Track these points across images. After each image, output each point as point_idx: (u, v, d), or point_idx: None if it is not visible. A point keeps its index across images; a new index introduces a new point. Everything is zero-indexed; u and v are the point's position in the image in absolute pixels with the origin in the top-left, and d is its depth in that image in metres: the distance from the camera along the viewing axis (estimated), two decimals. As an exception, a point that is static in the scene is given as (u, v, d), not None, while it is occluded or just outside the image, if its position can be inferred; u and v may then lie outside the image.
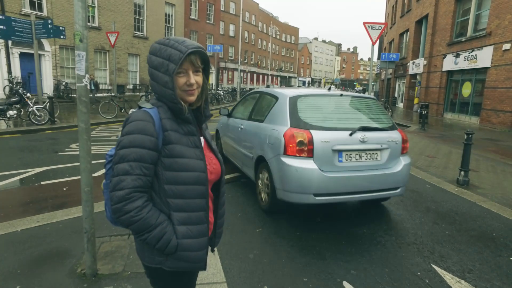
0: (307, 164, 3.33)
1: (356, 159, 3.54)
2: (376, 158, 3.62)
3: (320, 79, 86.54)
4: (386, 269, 2.79)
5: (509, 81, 13.73)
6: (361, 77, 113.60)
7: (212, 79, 37.17)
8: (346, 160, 3.49)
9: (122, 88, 21.52)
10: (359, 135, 3.51)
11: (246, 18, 48.72)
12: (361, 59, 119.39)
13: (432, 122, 15.58)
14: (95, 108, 13.30)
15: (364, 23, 8.48)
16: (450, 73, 18.79)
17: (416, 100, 22.49)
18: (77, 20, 2.02)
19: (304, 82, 75.62)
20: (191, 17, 31.25)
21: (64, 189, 4.60)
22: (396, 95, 29.33)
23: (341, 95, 4.06)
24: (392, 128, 3.91)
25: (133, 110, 1.25)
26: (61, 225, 3.30)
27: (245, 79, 49.03)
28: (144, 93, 19.35)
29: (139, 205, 1.14)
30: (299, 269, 2.74)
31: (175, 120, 1.24)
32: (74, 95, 17.94)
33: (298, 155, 3.37)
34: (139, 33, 23.76)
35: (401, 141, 3.81)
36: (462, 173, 5.59)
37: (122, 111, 13.33)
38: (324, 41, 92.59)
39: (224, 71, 43.16)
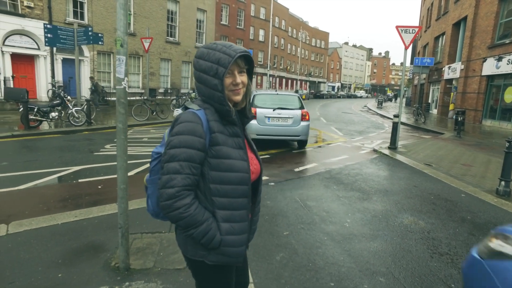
0: (253, 121, 7.75)
1: (276, 121, 7.98)
2: (286, 121, 8.03)
3: (350, 84, 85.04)
4: (417, 279, 2.70)
5: (557, 87, 12.84)
6: (392, 82, 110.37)
7: (240, 84, 37.56)
8: (271, 121, 7.94)
9: (153, 91, 22.25)
10: (278, 111, 8.01)
11: (276, 23, 48.94)
12: (393, 64, 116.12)
13: (469, 129, 14.86)
14: (103, 112, 13.85)
15: (397, 27, 8.27)
16: (490, 77, 17.85)
17: (451, 106, 21.54)
18: (118, 27, 2.14)
19: (333, 88, 74.59)
20: (221, 22, 31.84)
21: (99, 187, 4.83)
22: (430, 101, 28.25)
23: (277, 94, 9.08)
24: (298, 109, 8.24)
25: (178, 110, 1.32)
26: (96, 220, 3.48)
27: (274, 84, 49.14)
28: (174, 97, 19.89)
29: (188, 202, 1.21)
30: (327, 275, 2.71)
31: (221, 122, 1.31)
32: (109, 98, 18.79)
33: None
34: (171, 39, 24.52)
35: (301, 114, 8.07)
36: (503, 183, 5.28)
37: (154, 114, 13.78)
38: (354, 46, 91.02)
39: (253, 76, 43.46)
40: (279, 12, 49.42)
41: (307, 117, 8.20)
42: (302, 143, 8.63)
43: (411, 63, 41.51)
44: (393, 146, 8.86)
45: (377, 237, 3.48)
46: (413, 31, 8.25)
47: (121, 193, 2.31)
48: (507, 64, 16.03)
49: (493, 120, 17.50)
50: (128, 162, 5.88)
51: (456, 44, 22.37)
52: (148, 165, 6.37)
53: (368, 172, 6.47)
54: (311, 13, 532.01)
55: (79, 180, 5.10)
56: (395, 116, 8.80)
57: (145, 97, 14.68)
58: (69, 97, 11.33)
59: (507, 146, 5.24)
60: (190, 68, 27.06)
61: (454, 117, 14.29)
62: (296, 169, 6.45)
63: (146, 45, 14.72)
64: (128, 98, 12.49)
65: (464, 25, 20.94)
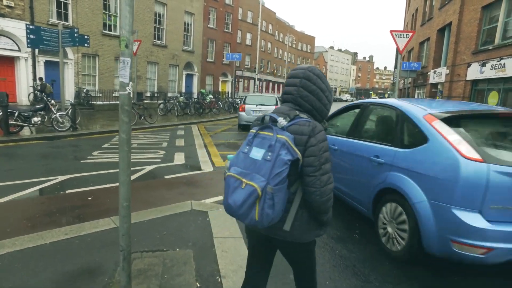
0: (242, 113, 13.10)
1: (257, 113, 12.39)
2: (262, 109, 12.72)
3: (336, 88, 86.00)
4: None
5: (541, 91, 13.15)
6: (376, 86, 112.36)
7: (228, 87, 37.32)
8: (254, 113, 12.73)
9: (140, 95, 21.76)
10: (259, 106, 12.89)
11: (263, 27, 49.02)
12: (377, 68, 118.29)
13: (457, 133, 15.06)
14: (87, 116, 13.38)
15: (391, 32, 8.24)
16: (474, 82, 18.22)
17: None
18: (123, 25, 1.89)
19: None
20: (209, 26, 31.57)
21: (89, 198, 4.51)
22: (416, 105, 28.68)
23: (260, 95, 14.86)
24: (273, 105, 13.01)
25: (283, 120, 1.54)
26: (89, 238, 3.17)
27: (260, 88, 49.11)
28: (162, 101, 19.48)
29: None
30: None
31: None
32: (94, 102, 18.22)
33: (241, 110, 13.28)
34: (158, 42, 24.10)
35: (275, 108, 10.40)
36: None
37: (142, 118, 13.38)
38: (340, 50, 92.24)
39: (240, 80, 43.37)
40: (267, 16, 49.57)
41: None
42: None
43: (396, 67, 42.30)
44: None
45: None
46: (407, 36, 8.24)
47: (123, 211, 2.04)
48: (491, 69, 16.39)
49: (479, 124, 17.83)
50: (115, 170, 5.50)
51: (441, 49, 22.81)
52: (141, 172, 6.09)
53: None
54: (297, 18, 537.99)
55: (67, 191, 4.75)
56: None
57: (132, 101, 14.27)
58: (52, 101, 10.84)
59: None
60: (177, 71, 26.67)
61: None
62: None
63: (134, 48, 14.33)
64: (115, 102, 12.00)
65: (448, 31, 21.38)
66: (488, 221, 2.50)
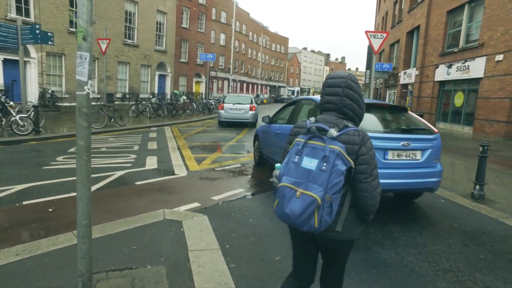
0: (221, 111, 14.83)
1: (235, 111, 14.58)
2: (242, 112, 14.58)
3: (309, 89, 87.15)
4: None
5: (503, 92, 13.79)
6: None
7: (202, 88, 36.74)
8: (231, 111, 14.60)
9: (111, 96, 20.91)
10: (236, 105, 14.67)
11: (237, 27, 48.76)
12: (349, 69, 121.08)
13: (427, 132, 15.51)
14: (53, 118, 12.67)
15: (366, 32, 8.28)
16: (442, 83, 18.91)
17: (407, 110, 22.57)
18: (80, 14, 1.62)
19: (293, 92, 75.90)
20: (182, 25, 30.92)
21: (50, 210, 4.10)
22: (387, 105, 29.50)
23: (238, 96, 16.13)
24: (249, 103, 14.78)
25: (333, 131, 1.59)
26: (46, 258, 2.78)
27: (234, 88, 48.81)
28: (133, 102, 18.79)
29: None
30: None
31: None
32: (60, 104, 17.27)
33: (220, 109, 15.02)
34: (129, 41, 23.28)
35: (250, 107, 14.61)
36: (478, 187, 5.32)
37: (112, 120, 12.77)
38: (313, 51, 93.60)
39: (214, 80, 42.86)
40: (240, 16, 49.34)
41: (253, 109, 14.89)
42: (252, 124, 15.03)
43: (368, 68, 43.33)
44: None
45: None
46: (382, 37, 8.31)
47: (82, 230, 1.77)
48: (456, 71, 17.05)
49: (445, 123, 18.51)
50: None
51: (411, 51, 23.55)
52: (110, 179, 5.69)
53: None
54: (271, 19, 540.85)
55: (24, 203, 4.30)
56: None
57: (102, 103, 13.60)
58: (11, 103, 10.07)
59: (481, 150, 5.29)
60: (149, 72, 25.91)
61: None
62: (271, 179, 6.08)
63: (103, 46, 13.68)
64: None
65: (417, 33, 22.10)
66: None
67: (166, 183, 5.55)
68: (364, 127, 3.96)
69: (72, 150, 8.01)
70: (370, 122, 4.21)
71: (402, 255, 3.21)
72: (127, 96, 22.96)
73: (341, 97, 1.66)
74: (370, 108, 4.41)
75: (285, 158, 1.66)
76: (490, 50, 14.72)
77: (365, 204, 1.61)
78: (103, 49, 13.71)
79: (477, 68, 15.47)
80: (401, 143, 3.99)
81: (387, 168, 3.92)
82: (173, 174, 6.17)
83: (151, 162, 7.05)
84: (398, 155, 4.03)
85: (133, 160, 7.20)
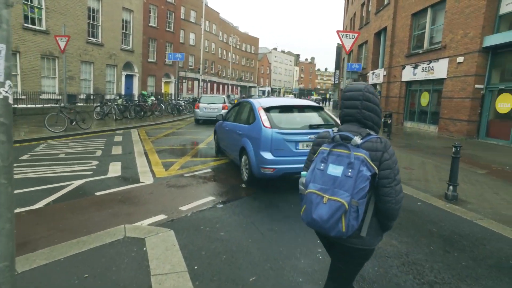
0: (197, 110, 16.48)
1: (209, 110, 16.11)
2: (215, 110, 15.65)
3: (280, 89, 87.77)
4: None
5: (464, 92, 14.34)
6: (318, 86, 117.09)
7: (171, 89, 35.82)
8: (206, 110, 16.23)
9: (73, 98, 19.72)
10: (210, 104, 16.44)
11: (206, 27, 48.06)
12: (318, 69, 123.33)
13: (393, 131, 15.84)
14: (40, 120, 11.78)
15: (338, 32, 8.20)
16: (409, 83, 19.46)
17: (323, 109, 23.11)
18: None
19: (264, 92, 76.07)
20: (150, 24, 29.88)
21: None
22: (356, 105, 30.08)
23: (212, 96, 18.11)
24: (222, 103, 16.67)
25: (357, 138, 1.66)
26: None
27: (205, 89, 48.08)
28: (98, 104, 17.82)
29: None
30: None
31: None
32: (17, 106, 16.02)
33: (196, 108, 16.78)
34: (93, 39, 22.10)
35: (222, 106, 16.17)
36: (451, 187, 5.31)
37: (73, 124, 11.94)
38: (283, 52, 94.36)
39: (184, 81, 41.96)
40: (210, 16, 48.66)
41: (225, 108, 16.01)
42: None
43: (337, 68, 44.14)
44: None
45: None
46: (353, 37, 8.26)
47: (1, 277, 1.37)
48: (422, 71, 17.60)
49: (413, 122, 19.08)
50: (39, 187, 4.54)
51: (378, 52, 24.12)
52: (66, 189, 5.14)
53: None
54: (241, 19, 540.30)
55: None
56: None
57: (62, 104, 12.68)
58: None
59: (453, 151, 5.29)
60: (116, 72, 24.78)
61: (382, 120, 15.14)
62: (243, 185, 5.79)
63: (62, 44, 12.77)
64: (41, 106, 10.45)
65: (384, 35, 22.65)
66: (274, 155, 5.09)
67: (130, 192, 5.10)
68: (279, 125, 5.29)
69: (25, 157, 7.31)
70: (286, 120, 5.50)
71: (385, 268, 3.02)
72: (92, 97, 21.80)
73: (360, 109, 1.73)
74: (290, 108, 5.85)
75: (309, 167, 1.76)
76: (451, 52, 15.28)
77: (389, 209, 1.66)
78: (62, 47, 12.80)
79: (440, 69, 16.02)
80: (309, 137, 5.19)
81: (299, 156, 5.13)
82: (138, 182, 5.72)
83: (115, 169, 6.53)
84: (307, 146, 5.24)
85: (94, 167, 6.65)
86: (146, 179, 5.91)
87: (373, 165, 1.59)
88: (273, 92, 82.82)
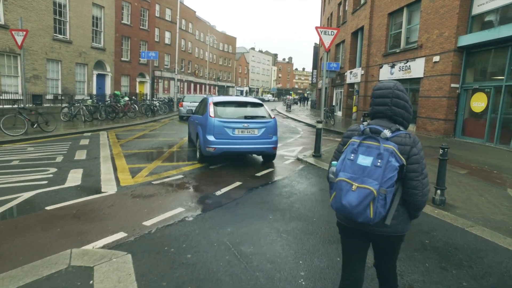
0: (181, 108, 18.65)
1: (192, 108, 15.23)
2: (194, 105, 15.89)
3: (258, 89, 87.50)
4: None
5: (440, 91, 14.42)
6: (296, 86, 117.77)
7: (147, 89, 34.71)
8: (188, 107, 17.51)
9: (39, 98, 18.49)
10: (192, 103, 17.78)
11: (183, 25, 47.02)
12: (296, 69, 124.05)
13: (374, 131, 15.74)
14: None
15: (317, 28, 7.83)
16: (386, 83, 19.52)
17: (354, 109, 23.08)
18: None
19: (242, 92, 75.49)
20: (123, 21, 28.66)
21: None
22: (334, 104, 30.15)
23: (194, 96, 20.66)
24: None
25: (387, 132, 1.79)
26: None
27: (182, 89, 47.00)
28: (66, 105, 16.74)
29: None
30: None
31: None
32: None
33: (180, 106, 19.39)
34: (60, 36, 20.82)
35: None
36: (439, 191, 5.02)
37: (35, 126, 11.00)
38: (261, 51, 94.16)
39: (160, 80, 40.80)
40: (186, 14, 47.61)
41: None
42: None
43: (315, 68, 44.24)
44: (317, 154, 8.39)
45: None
46: (332, 33, 7.92)
47: None
48: (399, 70, 17.66)
49: (391, 121, 19.14)
50: None
51: (356, 51, 24.15)
52: (12, 203, 4.42)
53: (301, 190, 5.68)
54: (218, 18, 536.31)
55: None
56: (318, 122, 8.34)
57: (21, 105, 11.67)
58: None
59: (440, 153, 4.99)
60: (86, 71, 23.52)
61: (361, 119, 15.00)
62: (218, 192, 5.28)
63: (19, 39, 11.72)
64: (1, 107, 9.42)
65: (361, 34, 22.68)
66: (215, 138, 6.60)
67: (87, 205, 4.48)
68: (221, 115, 6.77)
69: (-29, 165, 6.46)
70: (228, 112, 6.95)
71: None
72: (61, 97, 20.54)
73: (390, 106, 1.84)
74: (234, 103, 7.30)
75: (338, 157, 1.91)
76: (428, 51, 15.35)
77: (416, 201, 1.77)
78: (19, 42, 11.75)
79: (417, 68, 16.08)
80: (243, 125, 6.73)
81: (234, 139, 6.71)
82: (99, 192, 5.09)
83: (74, 177, 5.85)
84: (241, 132, 6.75)
85: (51, 175, 5.94)
86: (109, 188, 5.28)
87: (402, 157, 1.69)
88: (251, 92, 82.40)
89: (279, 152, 9.14)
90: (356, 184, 1.63)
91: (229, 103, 7.19)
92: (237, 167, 7.19)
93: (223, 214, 4.29)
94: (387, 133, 1.71)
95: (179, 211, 4.31)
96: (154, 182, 5.73)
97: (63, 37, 21.10)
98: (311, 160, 8.04)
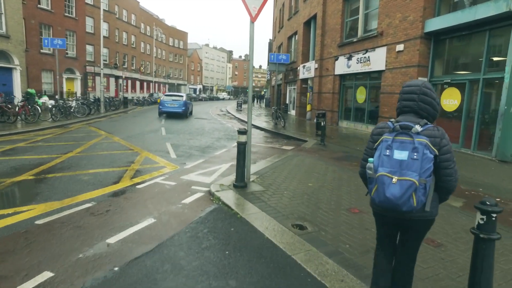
0: (160, 106, 20.74)
1: (172, 106, 20.20)
2: (175, 106, 20.26)
3: (212, 87, 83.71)
4: None
5: (405, 86, 12.16)
6: (253, 84, 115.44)
7: (76, 87, 29.91)
8: (168, 106, 20.31)
9: None
10: (174, 97, 21.50)
11: (124, 17, 42.12)
12: (253, 67, 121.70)
13: (328, 133, 13.17)
14: None
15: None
16: (342, 77, 17.20)
17: (308, 107, 20.66)
18: None
19: (195, 90, 71.29)
20: (40, 6, 23.80)
21: None
22: (287, 102, 27.67)
23: (172, 94, 23.06)
24: (182, 99, 20.76)
25: (391, 121, 2.14)
26: None
27: (125, 87, 42.18)
28: None
29: None
30: None
31: None
32: None
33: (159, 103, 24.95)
34: None
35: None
36: None
37: None
38: (215, 48, 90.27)
39: (96, 77, 35.82)
40: (127, 4, 42.65)
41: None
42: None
43: (268, 63, 41.68)
44: (240, 182, 5.34)
45: None
46: (262, -6, 4.95)
47: None
48: (357, 63, 15.37)
49: (349, 121, 16.86)
50: None
51: (309, 43, 21.71)
52: None
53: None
54: (168, 11, 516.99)
55: None
56: (240, 132, 5.30)
57: None
58: None
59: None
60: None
61: (315, 120, 12.37)
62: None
63: None
64: None
65: (314, 23, 20.26)
66: (162, 106, 20.56)
67: None
68: (165, 98, 20.76)
69: None
70: (167, 97, 20.68)
71: None
72: None
73: (417, 102, 2.06)
74: (170, 95, 21.23)
75: (369, 154, 2.18)
76: (390, 39, 13.13)
77: (451, 186, 2.03)
78: None
79: (378, 59, 13.83)
80: (171, 99, 20.36)
81: (166, 107, 19.82)
82: None
83: None
84: (171, 105, 19.85)
85: None
86: None
87: (434, 149, 1.92)
88: (205, 90, 78.37)
89: (186, 177, 6.10)
90: (396, 177, 1.86)
91: (168, 95, 20.91)
92: (101, 216, 3.95)
93: None
94: (418, 128, 1.94)
95: None
96: None
97: None
98: (230, 195, 4.98)
